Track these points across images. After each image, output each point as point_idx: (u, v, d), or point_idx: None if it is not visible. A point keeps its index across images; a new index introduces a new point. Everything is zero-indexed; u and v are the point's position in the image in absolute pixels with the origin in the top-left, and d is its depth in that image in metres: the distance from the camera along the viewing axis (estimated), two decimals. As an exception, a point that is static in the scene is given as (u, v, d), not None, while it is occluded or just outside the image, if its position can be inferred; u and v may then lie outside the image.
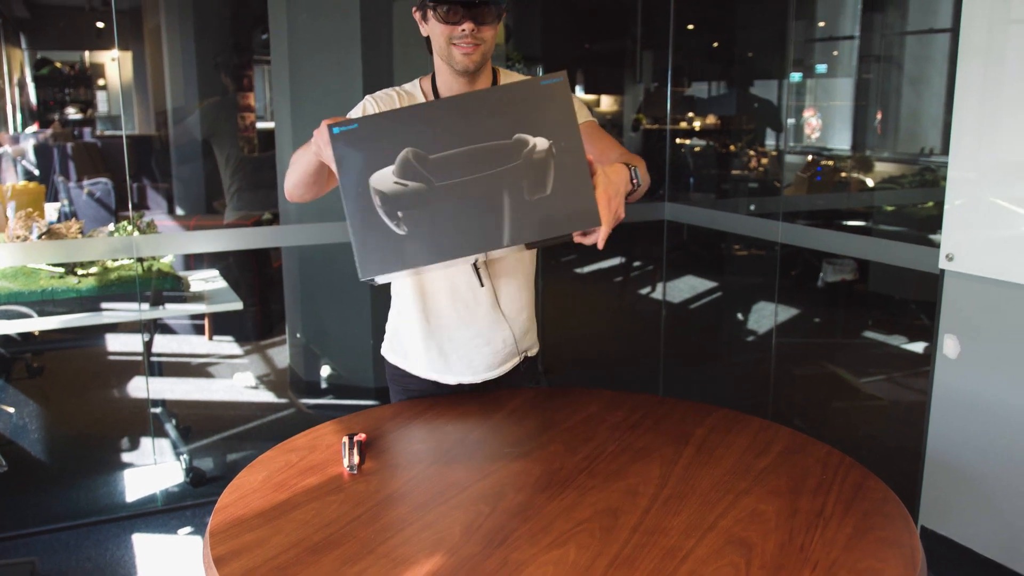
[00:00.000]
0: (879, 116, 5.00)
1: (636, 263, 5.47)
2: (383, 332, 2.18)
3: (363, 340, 4.26)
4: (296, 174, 1.77)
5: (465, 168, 1.39)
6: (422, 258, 1.43)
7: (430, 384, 2.09)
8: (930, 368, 2.70)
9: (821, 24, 5.22)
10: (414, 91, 1.96)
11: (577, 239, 1.53)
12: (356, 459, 1.68)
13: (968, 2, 2.44)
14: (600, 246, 1.55)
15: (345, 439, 1.71)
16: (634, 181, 1.64)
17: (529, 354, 2.15)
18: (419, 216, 1.40)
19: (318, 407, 4.36)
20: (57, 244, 3.27)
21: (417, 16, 1.86)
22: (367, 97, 1.91)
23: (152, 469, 3.73)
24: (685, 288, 5.25)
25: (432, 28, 1.84)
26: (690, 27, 5.05)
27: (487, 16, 1.79)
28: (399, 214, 1.40)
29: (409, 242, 1.41)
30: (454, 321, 2.01)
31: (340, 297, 4.28)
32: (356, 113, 1.80)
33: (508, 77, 1.99)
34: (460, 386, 2.08)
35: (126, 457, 3.85)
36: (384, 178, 1.38)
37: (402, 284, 2.02)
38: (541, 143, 1.39)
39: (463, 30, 1.78)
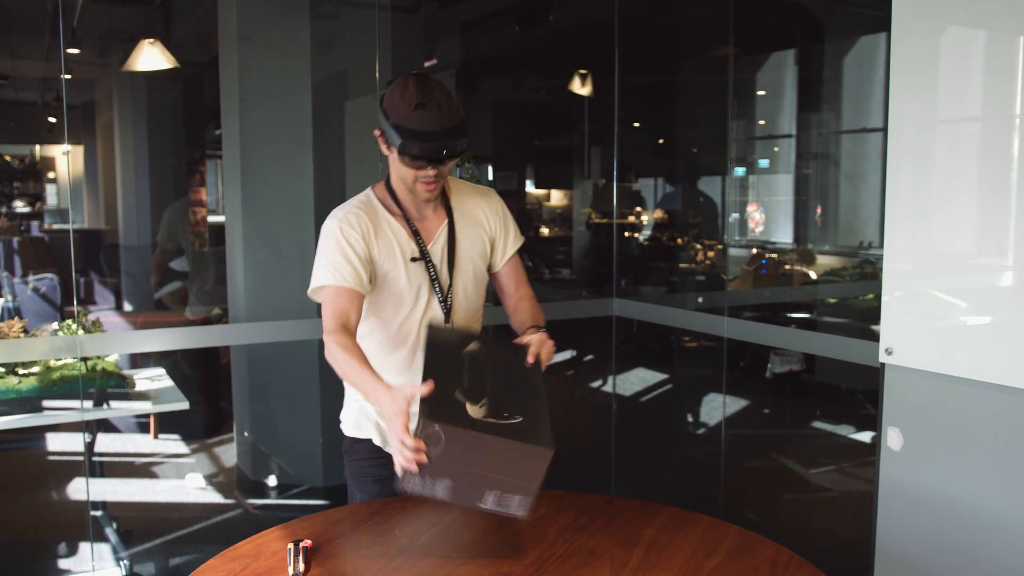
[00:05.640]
0: (819, 210, 5.16)
1: (587, 357, 5.50)
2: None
3: (312, 439, 4.19)
4: (341, 373, 1.89)
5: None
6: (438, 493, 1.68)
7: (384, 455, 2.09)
8: (876, 459, 2.73)
9: (761, 122, 5.43)
10: (376, 204, 2.05)
11: None
12: (301, 567, 1.64)
13: (895, 104, 2.55)
14: None
15: (290, 546, 1.68)
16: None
17: None
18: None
19: (265, 507, 4.25)
20: (-2, 343, 3.20)
21: (380, 139, 1.95)
22: (340, 223, 1.97)
23: (90, 576, 3.59)
24: (636, 380, 5.28)
25: (398, 163, 1.94)
26: (636, 124, 5.21)
27: (450, 159, 1.92)
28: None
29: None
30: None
31: (289, 395, 4.22)
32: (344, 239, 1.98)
33: (457, 185, 2.14)
34: None
35: (63, 564, 3.70)
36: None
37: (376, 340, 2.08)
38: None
39: (427, 174, 1.92)
